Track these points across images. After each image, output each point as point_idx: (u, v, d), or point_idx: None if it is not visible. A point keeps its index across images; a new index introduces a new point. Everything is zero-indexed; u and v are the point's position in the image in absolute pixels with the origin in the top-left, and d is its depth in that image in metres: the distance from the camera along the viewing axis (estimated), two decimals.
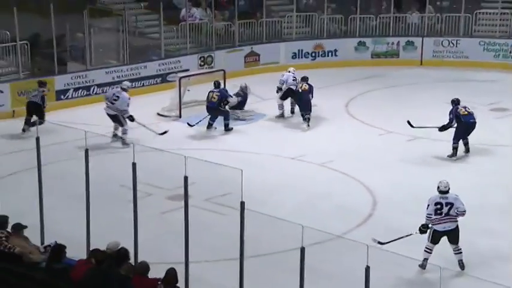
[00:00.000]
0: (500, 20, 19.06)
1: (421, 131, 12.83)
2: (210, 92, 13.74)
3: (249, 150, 12.56)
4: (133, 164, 7.30)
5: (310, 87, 14.16)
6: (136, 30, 17.67)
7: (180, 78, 14.86)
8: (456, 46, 18.98)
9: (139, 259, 7.22)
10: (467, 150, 12.22)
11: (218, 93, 13.67)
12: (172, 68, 16.88)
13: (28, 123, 13.18)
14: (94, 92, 15.68)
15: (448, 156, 12.09)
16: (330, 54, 19.24)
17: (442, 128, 12.18)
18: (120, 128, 12.89)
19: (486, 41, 18.90)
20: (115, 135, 12.89)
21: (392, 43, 19.13)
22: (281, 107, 14.52)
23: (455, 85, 15.63)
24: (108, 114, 12.90)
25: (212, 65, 17.17)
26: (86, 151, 7.62)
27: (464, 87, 16.17)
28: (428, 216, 8.45)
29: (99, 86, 15.74)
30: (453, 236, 8.46)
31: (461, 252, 8.52)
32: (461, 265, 8.51)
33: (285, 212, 9.34)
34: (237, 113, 14.47)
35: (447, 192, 8.50)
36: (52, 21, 14.91)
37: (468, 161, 11.90)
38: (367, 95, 16.51)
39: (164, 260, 7.72)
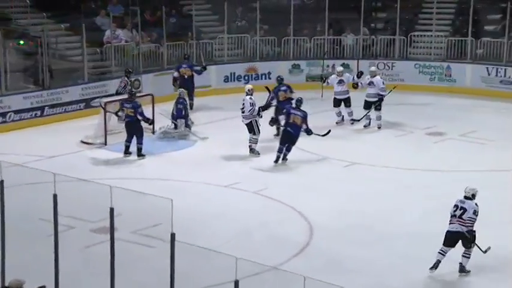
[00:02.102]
0: (434, 42, 19.76)
1: (362, 155, 13.08)
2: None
3: (180, 178, 12.47)
4: (54, 196, 7.13)
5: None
6: (56, 53, 17.39)
7: (105, 103, 14.67)
8: (391, 69, 19.51)
9: None
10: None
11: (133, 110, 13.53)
12: (96, 92, 16.67)
13: None
14: (11, 119, 15.29)
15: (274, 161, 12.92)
16: (263, 77, 19.42)
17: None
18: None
19: (421, 64, 19.52)
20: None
21: (327, 65, 19.52)
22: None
23: (391, 108, 15.99)
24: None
25: (140, 89, 17.05)
26: (1, 182, 7.40)
27: (400, 110, 16.64)
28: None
29: (16, 112, 15.36)
30: (465, 240, 8.93)
31: (467, 257, 8.96)
32: (461, 268, 8.97)
33: (218, 243, 9.29)
34: (171, 133, 14.51)
35: (469, 198, 9.03)
36: None
37: (412, 186, 12.16)
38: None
39: None
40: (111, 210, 6.79)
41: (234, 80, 19.15)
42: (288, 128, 13.16)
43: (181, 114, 14.66)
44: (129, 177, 12.40)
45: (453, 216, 9.02)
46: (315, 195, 11.73)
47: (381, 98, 15.44)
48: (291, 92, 14.97)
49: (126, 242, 9.34)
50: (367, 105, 15.59)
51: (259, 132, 13.78)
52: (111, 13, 18.08)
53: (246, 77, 19.32)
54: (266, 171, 12.97)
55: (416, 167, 13.04)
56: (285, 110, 13.61)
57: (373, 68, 16.30)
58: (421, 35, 19.99)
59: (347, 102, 15.83)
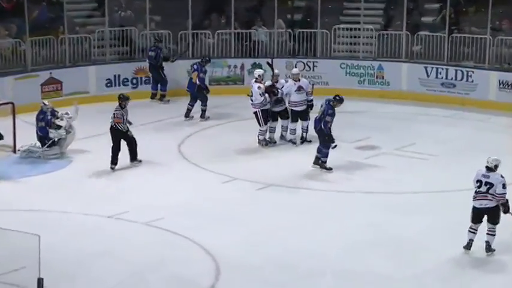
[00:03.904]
0: (363, 37, 20.22)
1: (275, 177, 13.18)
2: None
3: (50, 207, 12.22)
4: None
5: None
6: None
7: None
8: (313, 69, 19.80)
9: None
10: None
11: None
12: None
13: None
14: None
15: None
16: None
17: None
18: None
19: (348, 63, 19.92)
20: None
21: (235, 66, 19.59)
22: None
23: (311, 117, 16.20)
24: None
25: None
26: None
27: None
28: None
29: None
30: (491, 214, 10.42)
31: (493, 235, 10.45)
32: (487, 247, 10.47)
33: None
34: (37, 152, 14.36)
35: (491, 169, 10.37)
36: None
37: (337, 212, 12.31)
38: (206, 132, 16.72)
39: None
40: None
41: (118, 85, 18.97)
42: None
43: (45, 132, 14.42)
44: None
45: (478, 192, 10.41)
46: (221, 226, 11.70)
47: (310, 105, 15.56)
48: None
49: None
50: (297, 117, 15.52)
51: (264, 123, 15.24)
52: None
53: (134, 81, 19.20)
54: (161, 196, 12.86)
55: (343, 188, 13.25)
56: None
57: (296, 70, 16.27)
58: (347, 29, 20.40)
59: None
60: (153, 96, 18.87)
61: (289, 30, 20.43)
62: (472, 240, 10.56)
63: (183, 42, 19.76)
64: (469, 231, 10.57)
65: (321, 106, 14.05)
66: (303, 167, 14.30)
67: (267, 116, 15.42)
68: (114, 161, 14.00)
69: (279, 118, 15.65)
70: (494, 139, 15.75)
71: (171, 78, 18.90)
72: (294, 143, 15.62)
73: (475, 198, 10.50)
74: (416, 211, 12.21)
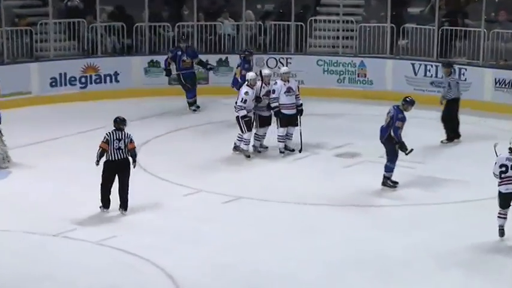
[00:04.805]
0: (343, 30, 20.27)
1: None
2: None
3: None
4: None
5: None
6: None
7: None
8: (287, 66, 19.79)
9: None
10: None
11: None
12: None
13: None
14: None
15: None
16: (108, 79, 19.29)
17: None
18: None
19: (326, 60, 19.99)
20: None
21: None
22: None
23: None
24: None
25: None
26: None
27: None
28: (494, 173, 11.54)
29: None
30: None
31: (503, 218, 11.43)
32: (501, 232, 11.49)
33: None
34: None
35: None
36: None
37: (314, 227, 12.31)
38: (169, 136, 16.66)
39: None
40: None
41: (65, 84, 18.98)
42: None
43: None
44: None
45: (505, 177, 11.40)
46: (183, 244, 11.64)
47: (300, 110, 15.48)
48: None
49: None
50: (286, 122, 15.38)
51: (245, 130, 15.13)
52: None
53: (83, 80, 19.11)
54: (111, 211, 12.77)
55: (320, 201, 13.22)
56: None
57: (285, 69, 16.04)
58: (324, 21, 20.46)
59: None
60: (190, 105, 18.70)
61: (260, 22, 20.46)
62: (503, 226, 11.55)
63: (139, 36, 19.69)
64: (499, 217, 11.57)
65: (388, 113, 13.88)
66: (278, 177, 14.36)
67: (251, 122, 15.28)
68: (108, 203, 12.74)
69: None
70: (489, 145, 15.80)
71: None
72: (282, 152, 15.51)
73: (501, 183, 11.46)
74: (403, 226, 12.23)
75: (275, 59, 19.85)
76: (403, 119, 13.74)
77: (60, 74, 18.98)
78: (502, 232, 11.58)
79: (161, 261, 11.05)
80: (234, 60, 19.60)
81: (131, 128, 16.66)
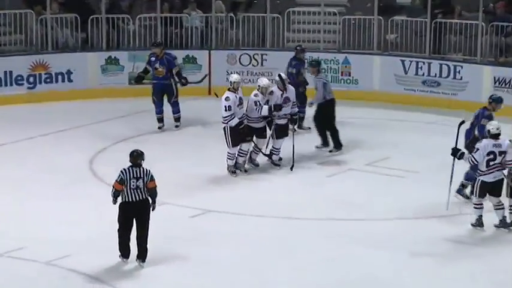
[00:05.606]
0: (324, 23, 20.29)
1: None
2: None
3: None
4: None
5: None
6: None
7: None
8: (262, 64, 19.91)
9: None
10: None
11: None
12: None
13: None
14: None
15: None
16: (60, 78, 19.31)
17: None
18: None
19: (306, 56, 19.94)
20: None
21: None
22: None
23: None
24: None
25: None
26: None
27: None
28: (473, 161, 12.11)
29: None
30: (499, 187, 12.12)
31: (503, 208, 12.16)
32: (504, 222, 12.14)
33: None
34: None
35: (499, 136, 11.94)
36: None
37: (294, 245, 12.28)
38: (122, 146, 16.56)
39: None
40: None
41: (10, 84, 18.96)
42: None
43: None
44: None
45: (493, 165, 11.93)
46: (145, 265, 11.56)
47: (294, 119, 15.38)
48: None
49: None
50: (281, 133, 15.21)
51: (230, 144, 14.72)
52: None
53: (31, 79, 19.07)
54: (66, 227, 12.69)
55: (301, 215, 13.15)
56: None
57: (282, 75, 15.62)
58: (303, 13, 20.49)
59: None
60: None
61: (231, 14, 20.47)
62: (481, 216, 12.21)
63: (94, 29, 19.61)
64: (475, 207, 12.28)
65: (475, 114, 13.76)
66: (254, 189, 14.43)
67: (238, 134, 14.74)
68: (128, 252, 11.81)
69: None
70: None
71: None
72: (278, 165, 15.34)
73: (487, 172, 12.00)
74: (392, 243, 12.20)
75: (249, 55, 19.87)
76: (490, 117, 13.36)
77: (5, 72, 18.95)
78: (480, 223, 12.23)
79: (119, 284, 11.03)
80: (202, 56, 19.63)
81: (85, 133, 16.66)
